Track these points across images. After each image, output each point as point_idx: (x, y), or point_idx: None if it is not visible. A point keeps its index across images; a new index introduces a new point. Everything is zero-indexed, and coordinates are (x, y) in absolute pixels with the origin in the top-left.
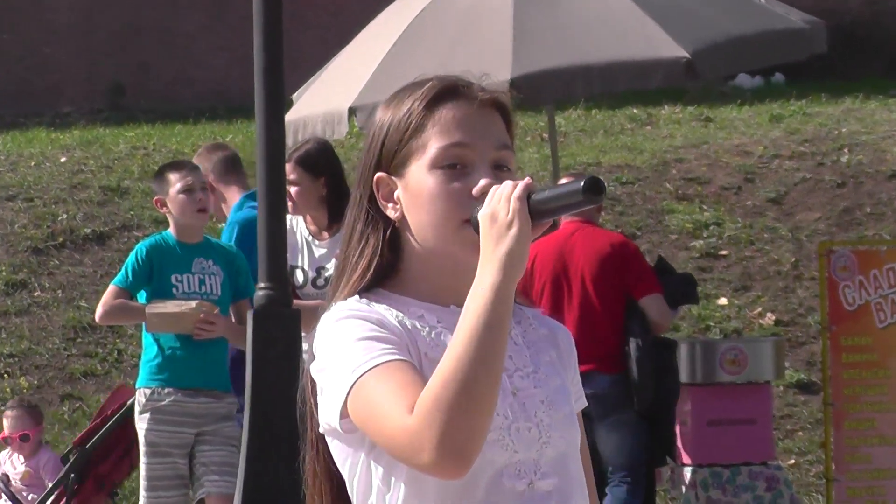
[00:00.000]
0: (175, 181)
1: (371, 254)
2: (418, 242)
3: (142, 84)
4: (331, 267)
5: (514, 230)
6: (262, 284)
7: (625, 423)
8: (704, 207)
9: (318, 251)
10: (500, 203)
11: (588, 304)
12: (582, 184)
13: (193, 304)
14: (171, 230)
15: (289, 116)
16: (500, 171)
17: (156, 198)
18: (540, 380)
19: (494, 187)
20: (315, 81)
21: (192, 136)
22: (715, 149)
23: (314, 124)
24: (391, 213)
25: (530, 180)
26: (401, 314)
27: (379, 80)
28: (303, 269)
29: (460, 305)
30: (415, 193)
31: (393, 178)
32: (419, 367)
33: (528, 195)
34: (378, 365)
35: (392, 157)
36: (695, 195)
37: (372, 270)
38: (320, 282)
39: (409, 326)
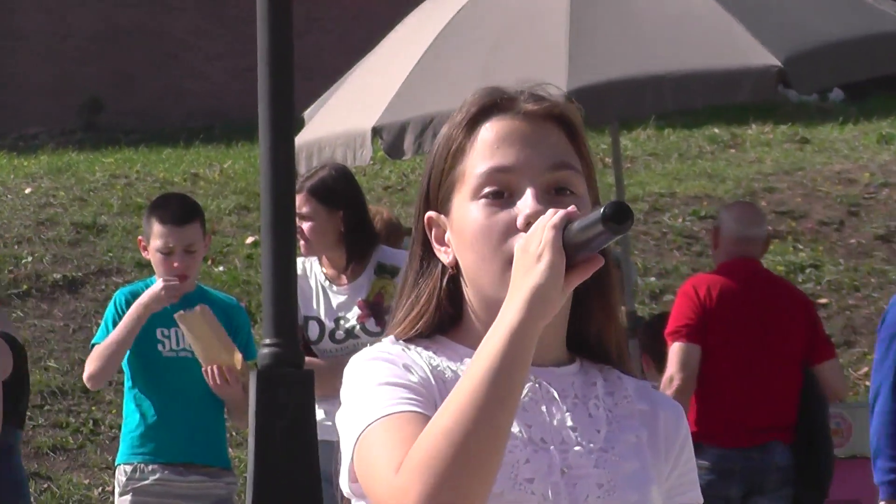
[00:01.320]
0: (156, 235)
1: (423, 305)
2: (471, 288)
3: (123, 99)
4: (352, 317)
5: (543, 263)
6: (267, 341)
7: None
8: (800, 246)
9: (337, 298)
10: (534, 232)
11: (773, 365)
12: (602, 210)
13: (237, 350)
14: (157, 277)
15: (300, 138)
16: (561, 196)
17: (140, 237)
18: (607, 461)
19: (541, 217)
20: (332, 96)
21: (184, 163)
22: (812, 176)
23: (331, 148)
24: (444, 257)
25: (574, 208)
26: (447, 364)
27: (408, 95)
28: (318, 321)
29: None
30: (459, 229)
31: (442, 216)
32: None
33: (565, 225)
34: (388, 415)
35: (437, 191)
36: (788, 232)
37: (422, 323)
38: (339, 334)
39: (448, 378)
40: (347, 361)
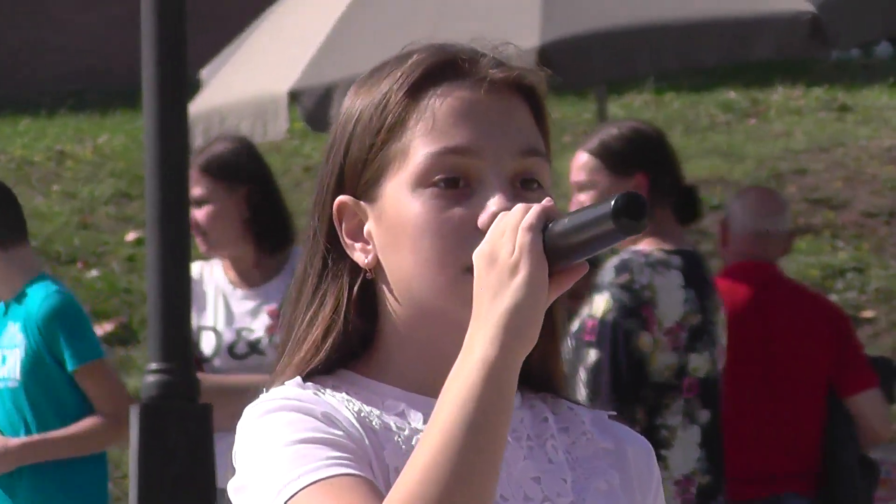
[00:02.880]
0: None
1: (328, 319)
2: (399, 300)
3: None
4: (258, 327)
5: (520, 276)
6: (153, 366)
7: None
8: (840, 244)
9: (241, 306)
10: (503, 236)
11: (790, 395)
12: (612, 203)
13: None
14: None
15: (195, 106)
16: (525, 190)
17: None
18: None
19: (502, 214)
20: (236, 52)
21: (47, 137)
22: (855, 153)
23: (236, 118)
24: (360, 256)
25: (550, 202)
26: (369, 409)
27: (334, 51)
28: (215, 331)
29: None
30: (392, 224)
31: (362, 203)
32: (384, 487)
33: (544, 225)
34: (318, 481)
35: (360, 172)
36: (824, 225)
37: (329, 344)
38: (241, 348)
39: (377, 427)
40: (249, 382)
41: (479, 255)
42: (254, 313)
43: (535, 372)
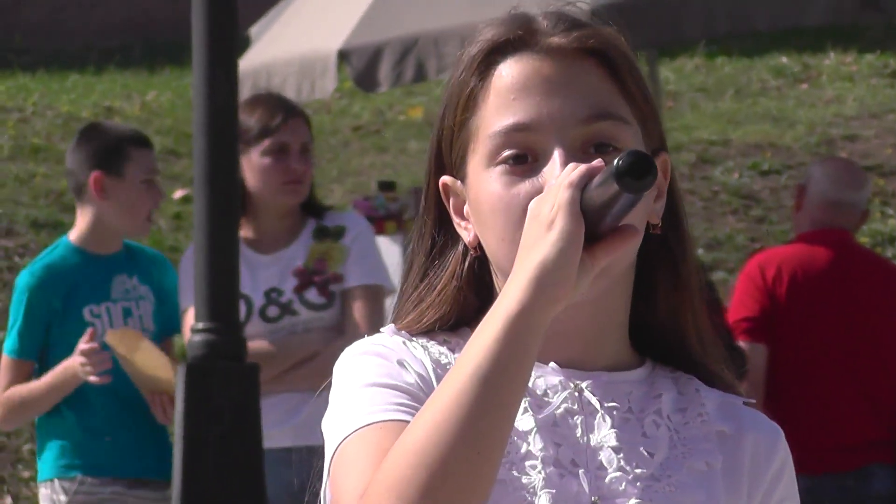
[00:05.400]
0: (135, 166)
1: (438, 296)
2: (497, 274)
3: (13, 9)
4: (287, 289)
5: (554, 232)
6: (199, 325)
7: None
8: (889, 211)
9: (265, 270)
10: (548, 193)
11: (871, 362)
12: (616, 164)
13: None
14: (73, 235)
15: (244, 63)
16: (603, 154)
17: (94, 175)
18: (657, 492)
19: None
20: (286, 9)
21: (94, 93)
22: None
23: (283, 76)
24: (464, 234)
25: (600, 163)
26: None
27: (385, 10)
28: (244, 297)
29: (565, 364)
30: (475, 204)
31: (458, 183)
32: None
33: (585, 184)
34: (368, 425)
35: (449, 151)
36: (875, 192)
37: (434, 316)
38: (272, 311)
39: None
40: (289, 344)
41: (528, 212)
42: (280, 275)
43: (667, 328)
